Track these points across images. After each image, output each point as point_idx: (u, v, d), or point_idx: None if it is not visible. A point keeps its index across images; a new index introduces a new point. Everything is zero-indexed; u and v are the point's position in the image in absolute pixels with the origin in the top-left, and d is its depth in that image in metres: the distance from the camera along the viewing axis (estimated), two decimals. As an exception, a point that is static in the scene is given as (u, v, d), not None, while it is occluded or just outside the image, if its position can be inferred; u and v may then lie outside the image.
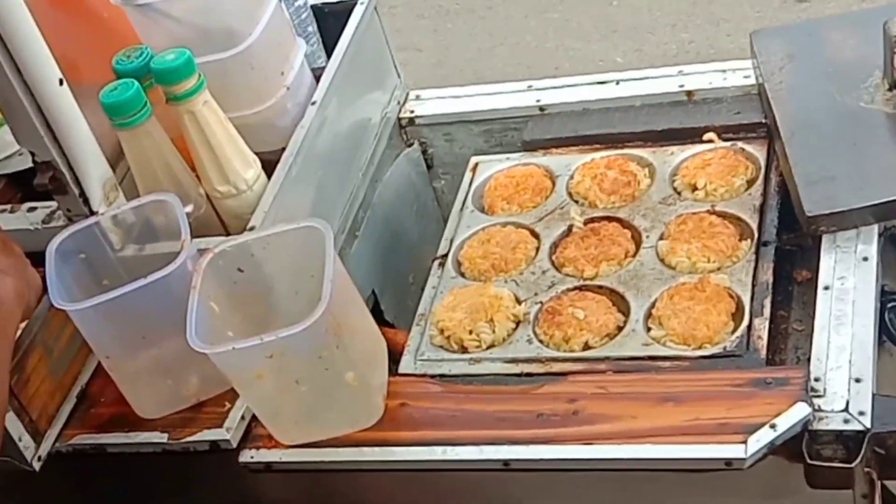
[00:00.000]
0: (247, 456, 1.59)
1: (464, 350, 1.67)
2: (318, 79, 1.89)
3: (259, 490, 1.68)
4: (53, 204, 1.69)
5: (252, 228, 1.66)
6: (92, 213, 1.64)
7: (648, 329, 1.61)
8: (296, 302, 1.55)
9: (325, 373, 1.50)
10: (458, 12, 4.30)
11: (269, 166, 1.76)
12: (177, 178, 1.70)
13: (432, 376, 1.64)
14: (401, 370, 1.67)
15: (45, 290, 1.53)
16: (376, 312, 1.90)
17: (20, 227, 1.73)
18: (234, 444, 1.59)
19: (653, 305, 1.63)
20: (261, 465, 1.58)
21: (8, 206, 1.80)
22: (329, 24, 2.02)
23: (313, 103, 1.83)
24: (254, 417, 1.60)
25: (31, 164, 1.63)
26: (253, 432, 1.60)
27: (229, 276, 1.56)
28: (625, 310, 1.65)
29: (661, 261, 1.70)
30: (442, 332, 1.69)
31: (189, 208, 1.60)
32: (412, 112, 2.08)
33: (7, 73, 1.51)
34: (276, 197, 1.71)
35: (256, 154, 1.76)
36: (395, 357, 1.69)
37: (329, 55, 1.94)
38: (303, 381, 1.51)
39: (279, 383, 1.51)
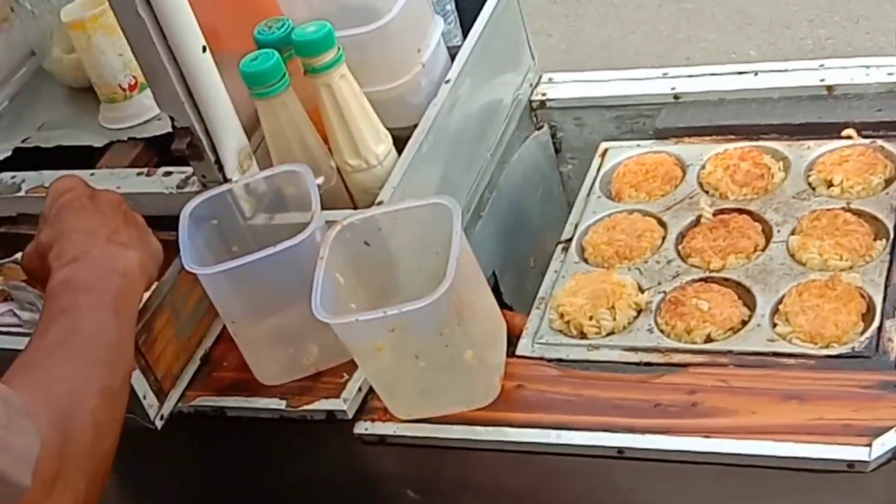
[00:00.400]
0: (362, 427, 1.60)
1: (583, 336, 1.66)
2: (452, 57, 1.89)
3: (370, 462, 1.69)
4: (189, 169, 1.72)
5: (380, 203, 1.67)
6: (226, 180, 1.67)
7: (774, 325, 1.58)
8: (419, 278, 1.56)
9: (445, 349, 1.50)
10: (590, -1, 4.28)
11: (399, 142, 1.77)
12: (310, 149, 1.72)
13: (549, 360, 1.63)
14: (518, 352, 1.67)
15: (167, 255, 1.56)
16: (496, 294, 1.89)
17: (155, 190, 1.77)
18: (350, 416, 1.60)
19: (780, 301, 1.60)
20: (375, 437, 1.60)
21: (144, 170, 1.84)
22: (467, 3, 2.02)
23: (447, 82, 1.83)
24: (370, 390, 1.61)
25: (169, 129, 1.66)
26: (369, 405, 1.62)
27: (356, 249, 1.57)
28: (750, 304, 1.62)
29: (792, 256, 1.66)
30: (562, 316, 1.68)
31: (320, 180, 1.61)
32: (544, 95, 2.06)
33: (153, 39, 1.54)
34: (405, 173, 1.71)
35: (388, 129, 1.77)
36: (511, 339, 1.68)
37: (465, 34, 1.94)
38: (422, 356, 1.52)
39: (398, 357, 1.52)
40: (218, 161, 1.66)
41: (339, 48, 1.67)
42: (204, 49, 1.57)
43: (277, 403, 1.63)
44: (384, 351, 1.51)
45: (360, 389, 1.61)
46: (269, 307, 1.61)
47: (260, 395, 1.65)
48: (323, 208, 1.58)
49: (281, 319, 1.62)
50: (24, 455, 1.18)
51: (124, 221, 1.50)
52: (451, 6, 2.05)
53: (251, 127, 1.72)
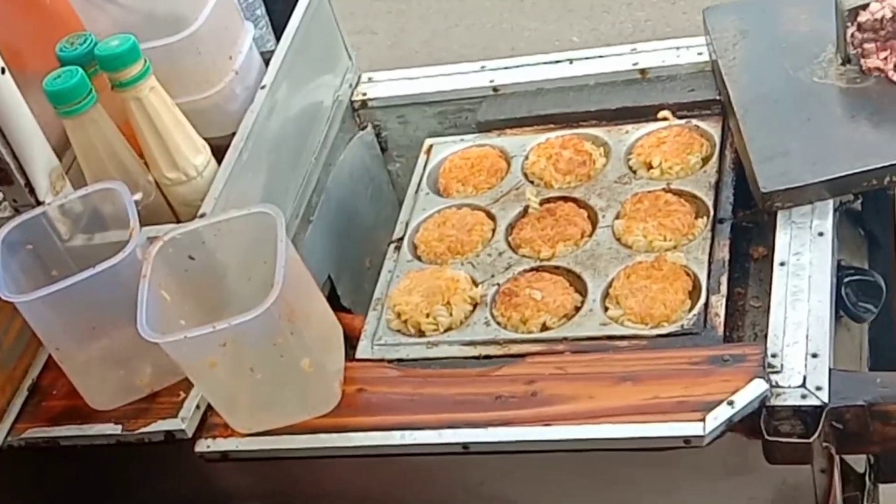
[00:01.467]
0: (203, 446, 1.57)
1: (421, 334, 1.66)
2: (267, 63, 1.87)
3: (217, 479, 1.66)
4: (-1, 195, 1.67)
5: (203, 215, 1.64)
6: (38, 203, 1.62)
7: (606, 309, 1.61)
8: (249, 289, 1.54)
9: (280, 360, 1.49)
10: (412, -6, 4.29)
11: (219, 152, 1.74)
12: (124, 165, 1.68)
13: (390, 361, 1.63)
14: (358, 355, 1.66)
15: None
16: (333, 298, 1.89)
17: (-34, 219, 1.71)
18: (190, 434, 1.57)
19: (610, 285, 1.63)
20: (217, 454, 1.57)
21: (-47, 199, 1.77)
22: (277, 7, 2.01)
23: (263, 87, 1.81)
24: (209, 407, 1.58)
25: (-25, 156, 1.60)
26: (209, 421, 1.59)
27: (180, 264, 1.54)
28: (582, 290, 1.65)
29: (618, 240, 1.69)
30: (399, 316, 1.68)
31: (138, 196, 1.58)
32: (365, 94, 2.06)
33: (-54, 62, 1.48)
34: (226, 183, 1.69)
35: (206, 140, 1.74)
36: (352, 342, 1.68)
37: (278, 39, 1.91)
38: (257, 368, 1.50)
39: (233, 371, 1.50)
40: (28, 184, 1.60)
41: (145, 60, 1.63)
42: (3, 70, 1.52)
43: (112, 428, 1.59)
44: (218, 366, 1.48)
45: (198, 407, 1.58)
46: (95, 330, 1.57)
47: (93, 422, 1.60)
48: (145, 225, 1.54)
49: (109, 342, 1.57)
50: None
51: None
52: (261, 11, 2.03)
53: (62, 146, 1.68)
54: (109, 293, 1.49)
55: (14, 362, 1.64)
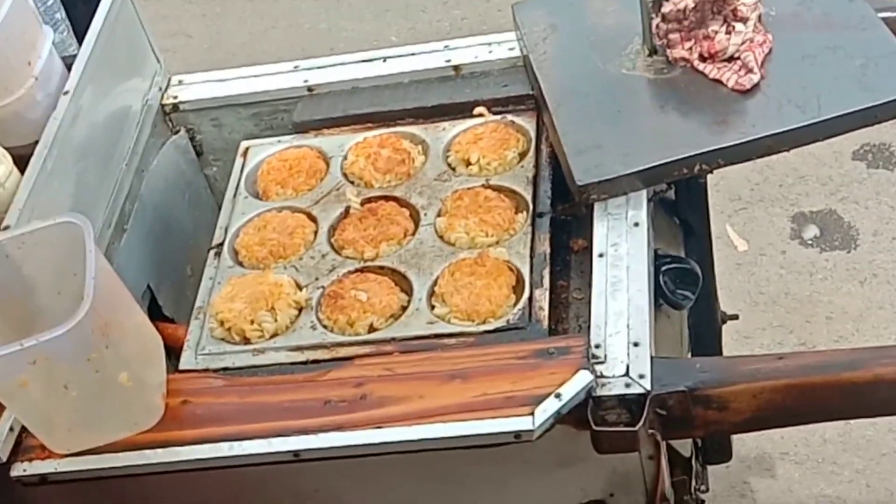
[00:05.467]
0: (19, 469, 1.51)
1: (246, 341, 1.63)
2: (69, 68, 1.80)
3: (38, 504, 1.59)
4: None
5: (6, 228, 1.57)
6: None
7: (432, 307, 1.60)
8: (60, 303, 1.49)
9: (96, 375, 1.44)
10: (226, -4, 4.22)
11: (22, 162, 1.67)
12: (-82, 180, 1.60)
13: (215, 370, 1.59)
14: (182, 366, 1.62)
15: None
16: (154, 308, 1.84)
17: None
18: (4, 459, 1.51)
19: (435, 283, 1.63)
20: (35, 477, 1.51)
21: None
22: (79, 11, 1.94)
23: (66, 93, 1.75)
24: (24, 428, 1.52)
25: None
26: (24, 444, 1.53)
27: (-17, 280, 1.47)
28: (408, 289, 1.64)
29: (441, 238, 1.69)
30: (222, 324, 1.64)
31: (-65, 211, 1.50)
32: (175, 98, 2.01)
33: None
34: (30, 193, 1.62)
35: (7, 149, 1.68)
36: (177, 353, 1.63)
37: (81, 43, 1.85)
38: (72, 385, 1.44)
39: (47, 390, 1.44)
40: None
41: (-66, 68, 1.56)
42: None
43: (-81, 459, 1.51)
44: (29, 385, 1.42)
45: (11, 429, 1.52)
46: None
47: None
48: (-55, 241, 1.47)
49: None
50: None
51: None
52: (60, 14, 1.97)
53: None
54: None
55: None
